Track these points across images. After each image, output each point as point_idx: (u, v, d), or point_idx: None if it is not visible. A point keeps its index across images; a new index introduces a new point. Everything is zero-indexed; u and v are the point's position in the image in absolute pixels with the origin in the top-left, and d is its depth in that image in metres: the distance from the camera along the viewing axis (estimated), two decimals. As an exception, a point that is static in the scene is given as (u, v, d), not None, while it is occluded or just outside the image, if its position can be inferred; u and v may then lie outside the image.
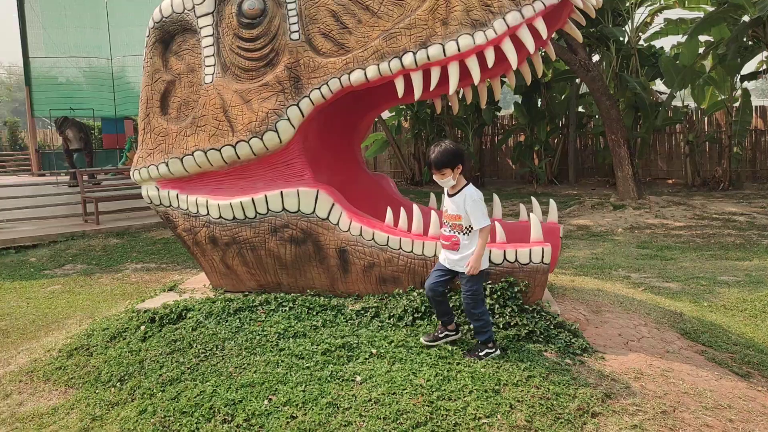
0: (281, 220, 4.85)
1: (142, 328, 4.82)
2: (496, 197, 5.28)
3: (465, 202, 3.94)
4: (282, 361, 4.08)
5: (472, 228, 3.97)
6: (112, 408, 4.04)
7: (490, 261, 4.38)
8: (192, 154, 4.99)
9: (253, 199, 4.86)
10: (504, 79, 6.07)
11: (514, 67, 4.26)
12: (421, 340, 4.12)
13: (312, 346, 4.21)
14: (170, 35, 5.10)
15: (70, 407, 4.19)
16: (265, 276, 5.10)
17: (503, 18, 4.10)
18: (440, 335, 4.12)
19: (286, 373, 3.95)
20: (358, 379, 3.81)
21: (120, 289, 8.29)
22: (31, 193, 13.08)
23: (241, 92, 4.81)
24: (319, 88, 4.61)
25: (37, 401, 4.41)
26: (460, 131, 18.08)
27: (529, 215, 4.71)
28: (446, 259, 4.09)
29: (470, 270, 3.95)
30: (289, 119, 4.71)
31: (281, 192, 4.80)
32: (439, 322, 4.19)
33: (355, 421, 3.44)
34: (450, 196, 4.05)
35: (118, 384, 4.26)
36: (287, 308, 4.77)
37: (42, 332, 6.41)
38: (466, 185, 4.02)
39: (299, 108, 4.69)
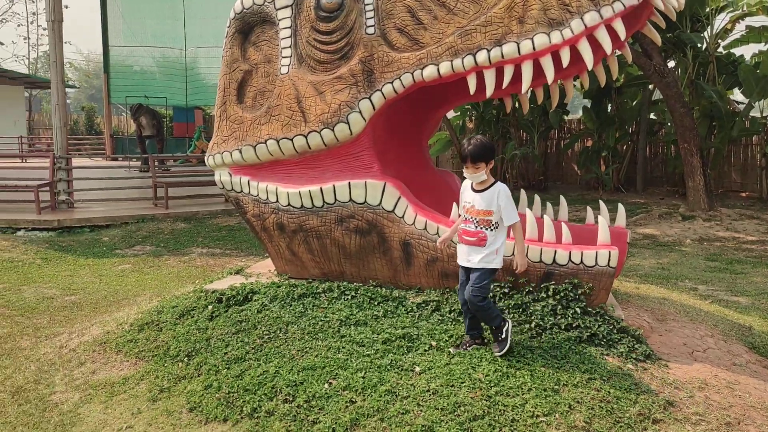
0: (348, 211, 4.94)
1: (210, 307, 4.99)
2: (563, 199, 5.23)
3: (498, 197, 3.90)
4: (343, 347, 4.17)
5: (497, 224, 3.94)
6: (179, 381, 4.21)
7: (554, 261, 4.37)
8: (265, 143, 5.13)
9: (321, 188, 4.97)
10: (575, 82, 6.00)
11: (590, 67, 4.22)
12: (450, 350, 4.08)
13: (372, 335, 4.29)
14: (250, 26, 5.26)
15: (140, 378, 4.39)
16: (329, 264, 5.20)
17: (581, 18, 4.07)
18: (469, 348, 4.08)
19: (347, 359, 4.04)
20: (417, 369, 3.86)
21: (186, 271, 8.57)
22: (104, 176, 13.60)
23: (315, 84, 4.92)
24: (391, 83, 4.68)
25: (109, 370, 4.63)
26: (526, 134, 17.88)
27: (596, 218, 4.66)
28: (466, 256, 4.00)
29: (521, 269, 3.99)
30: (360, 112, 4.80)
31: (349, 183, 4.89)
32: (468, 336, 4.16)
33: (412, 410, 3.49)
34: (477, 191, 3.98)
35: (185, 359, 4.43)
36: (349, 297, 4.87)
37: (113, 307, 6.70)
38: (495, 181, 4.00)
39: (371, 101, 4.77)
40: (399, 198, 4.83)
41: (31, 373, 4.84)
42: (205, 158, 5.55)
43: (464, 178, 4.11)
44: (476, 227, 3.95)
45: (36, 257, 9.20)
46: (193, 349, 4.51)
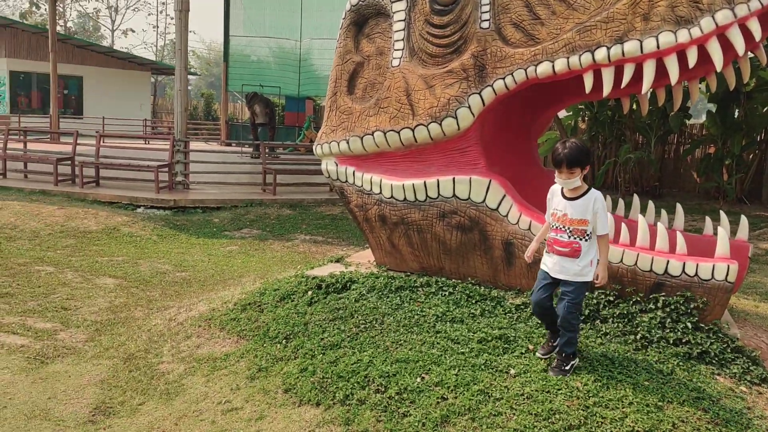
0: (450, 206, 4.90)
1: (310, 293, 5.10)
2: (679, 207, 4.96)
3: (594, 205, 3.65)
4: (437, 343, 4.14)
5: (590, 235, 3.69)
6: (276, 362, 4.33)
7: (666, 272, 4.15)
8: (372, 134, 5.17)
9: (425, 182, 4.95)
10: (700, 85, 5.66)
11: (719, 69, 3.96)
12: (537, 354, 3.93)
13: (468, 333, 4.23)
14: (364, 18, 5.31)
15: (240, 356, 4.54)
16: (429, 259, 5.18)
17: (712, 16, 3.83)
18: (555, 344, 3.90)
19: (441, 355, 4.01)
20: (512, 372, 3.78)
21: (289, 256, 8.81)
22: (218, 160, 14.19)
23: (426, 77, 4.90)
24: (503, 78, 4.59)
25: (212, 346, 4.82)
26: (642, 137, 17.10)
27: (716, 229, 4.38)
28: (558, 267, 3.73)
29: (601, 282, 3.73)
30: (469, 107, 4.73)
31: (453, 178, 4.84)
32: (549, 332, 3.99)
33: (505, 413, 3.42)
34: (570, 198, 3.71)
35: (283, 341, 4.54)
36: (447, 293, 4.83)
37: (219, 286, 6.98)
38: (589, 188, 3.73)
39: (481, 96, 4.69)
40: (504, 196, 4.73)
41: (142, 342, 5.12)
42: (314, 147, 5.66)
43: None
44: (569, 237, 3.69)
45: (153, 233, 9.74)
46: (291, 332, 4.61)
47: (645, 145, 17.15)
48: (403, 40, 5.04)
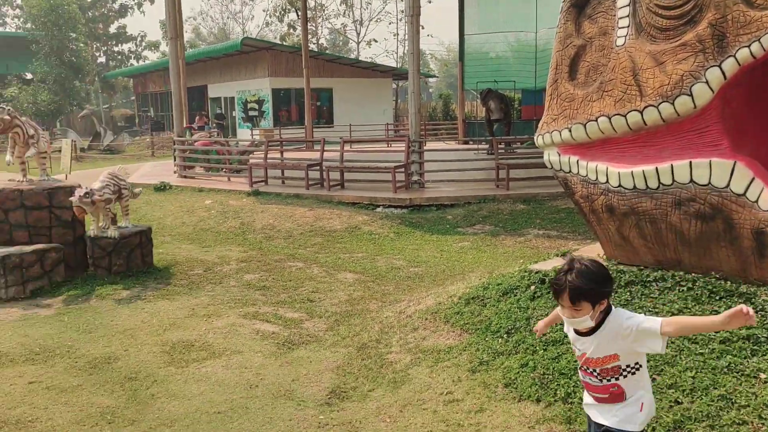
0: (687, 193, 4.45)
1: (532, 287, 4.98)
2: None
3: (620, 329, 2.53)
4: (672, 342, 3.79)
5: (638, 364, 2.61)
6: (497, 356, 4.30)
7: None
8: (596, 120, 4.88)
9: (657, 168, 4.56)
10: None
11: None
12: None
13: (709, 333, 3.81)
14: (585, -1, 5.04)
15: (462, 348, 4.59)
16: (664, 251, 4.76)
17: None
18: None
19: (676, 355, 3.67)
20: (762, 376, 3.33)
21: (520, 251, 8.69)
22: (453, 158, 14.46)
23: (655, 54, 4.51)
24: (748, 46, 4.05)
25: (437, 338, 4.93)
26: None
27: None
28: (596, 412, 2.72)
29: (751, 320, 2.27)
30: (707, 82, 4.26)
31: (690, 162, 4.39)
32: None
33: (752, 422, 3.04)
34: (583, 334, 2.63)
35: (504, 335, 4.49)
36: (685, 288, 4.39)
37: (448, 281, 7.12)
38: (607, 309, 2.57)
39: (721, 69, 4.20)
40: (752, 179, 4.17)
41: (374, 333, 5.41)
42: (534, 138, 5.51)
43: None
44: (602, 380, 2.64)
45: (390, 231, 10.25)
46: (512, 326, 4.55)
47: None
48: (628, 16, 4.69)
